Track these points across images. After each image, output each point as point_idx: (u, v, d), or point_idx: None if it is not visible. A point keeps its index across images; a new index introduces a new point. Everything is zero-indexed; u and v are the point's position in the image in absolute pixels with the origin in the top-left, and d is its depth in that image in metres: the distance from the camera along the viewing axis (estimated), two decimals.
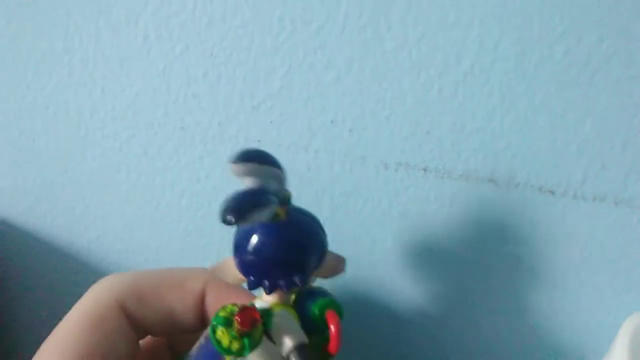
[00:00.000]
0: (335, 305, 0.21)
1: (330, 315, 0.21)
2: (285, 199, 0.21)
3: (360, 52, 0.27)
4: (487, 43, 0.25)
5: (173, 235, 0.34)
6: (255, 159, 0.20)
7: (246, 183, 0.20)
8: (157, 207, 0.33)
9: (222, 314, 0.19)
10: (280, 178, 0.20)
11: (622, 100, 0.25)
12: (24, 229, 0.36)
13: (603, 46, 0.24)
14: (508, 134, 0.27)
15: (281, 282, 0.20)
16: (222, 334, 0.19)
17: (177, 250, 0.34)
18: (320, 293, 0.22)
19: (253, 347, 0.19)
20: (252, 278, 0.21)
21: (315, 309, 0.21)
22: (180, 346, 0.25)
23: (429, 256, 0.30)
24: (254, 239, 0.20)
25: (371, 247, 0.30)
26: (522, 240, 0.28)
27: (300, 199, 0.30)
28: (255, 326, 0.19)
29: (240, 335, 0.19)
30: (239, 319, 0.19)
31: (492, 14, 0.25)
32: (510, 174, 0.27)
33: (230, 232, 0.33)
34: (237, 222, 0.17)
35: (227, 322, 0.19)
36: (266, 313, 0.20)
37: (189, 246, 0.34)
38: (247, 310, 0.19)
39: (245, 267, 0.21)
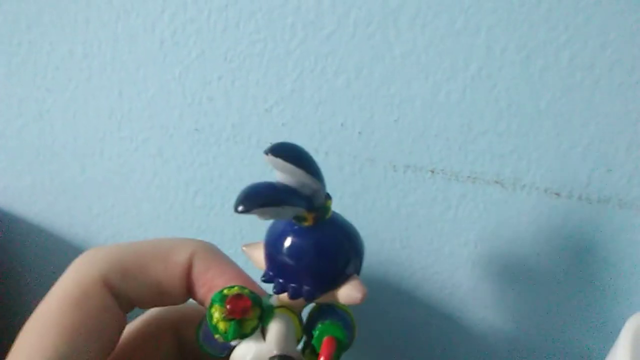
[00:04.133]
0: (339, 332, 0.20)
1: (326, 343, 0.19)
2: (315, 207, 0.19)
3: (369, 57, 0.28)
4: (494, 49, 0.26)
5: (187, 235, 0.34)
6: (290, 157, 0.18)
7: (276, 176, 0.19)
8: (171, 206, 0.34)
9: (225, 291, 0.19)
10: (312, 183, 0.19)
11: (626, 104, 0.25)
12: (42, 227, 0.37)
13: (607, 52, 0.25)
14: (514, 136, 0.27)
15: (289, 287, 0.19)
16: (215, 310, 0.19)
17: None
18: (332, 314, 0.21)
19: (238, 335, 0.19)
20: (270, 272, 0.20)
21: (316, 330, 0.20)
22: (185, 331, 0.24)
23: (435, 257, 0.30)
24: (280, 234, 0.20)
25: (379, 248, 0.31)
26: (527, 241, 0.28)
27: None
28: (244, 316, 0.19)
29: (229, 319, 0.19)
30: (228, 305, 0.19)
31: (499, 20, 0.26)
32: (516, 176, 0.28)
33: (242, 232, 0.34)
34: (244, 212, 0.17)
35: (222, 302, 0.19)
36: (268, 311, 0.20)
37: None
38: (240, 299, 0.19)
39: (267, 258, 0.20)
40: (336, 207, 0.31)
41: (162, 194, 0.34)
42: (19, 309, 0.40)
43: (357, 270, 0.20)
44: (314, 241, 0.19)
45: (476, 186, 0.28)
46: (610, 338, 0.26)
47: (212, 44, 0.30)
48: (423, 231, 0.30)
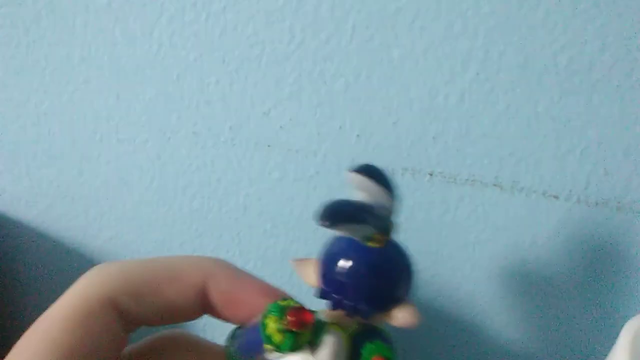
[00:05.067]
0: (388, 352, 0.20)
1: None
2: (387, 229, 0.20)
3: (368, 61, 0.28)
4: (492, 52, 0.26)
5: (184, 237, 0.34)
6: (375, 177, 0.19)
7: (357, 195, 0.19)
8: (169, 209, 0.34)
9: (281, 303, 0.19)
10: (390, 205, 0.20)
11: (624, 107, 0.25)
12: (40, 231, 0.37)
13: (605, 55, 0.25)
14: (513, 139, 0.27)
15: (346, 303, 0.20)
16: (270, 321, 0.19)
17: (189, 252, 0.35)
18: (380, 335, 0.21)
19: (293, 347, 0.19)
20: (324, 287, 0.20)
21: (366, 351, 0.20)
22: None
23: (434, 260, 0.30)
24: (343, 252, 0.20)
25: None
26: (526, 244, 0.28)
27: (309, 202, 0.31)
28: (303, 329, 0.19)
29: (285, 331, 0.19)
30: (290, 316, 0.19)
31: (497, 24, 0.26)
32: (514, 178, 0.28)
33: (240, 235, 0.34)
34: (328, 226, 0.18)
35: (281, 313, 0.19)
36: (321, 327, 0.20)
37: (199, 248, 0.34)
38: (302, 312, 0.19)
39: (323, 274, 0.20)
40: None
41: (160, 197, 0.34)
42: (17, 312, 0.40)
43: (409, 294, 0.21)
44: (379, 262, 0.20)
45: (475, 189, 0.28)
46: (609, 340, 0.26)
47: (210, 47, 0.30)
48: (421, 234, 0.30)
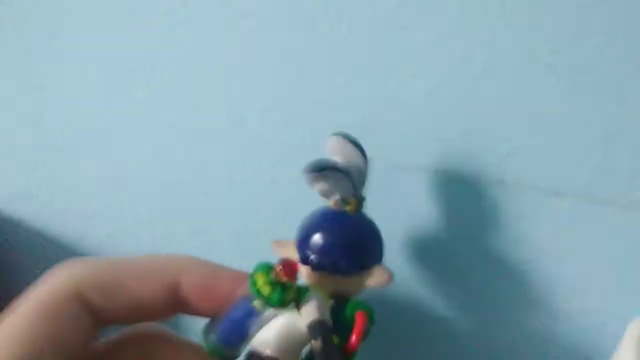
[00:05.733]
0: (367, 309, 0.22)
1: (359, 315, 0.21)
2: (361, 194, 0.23)
3: (369, 56, 0.27)
4: (496, 48, 0.26)
5: (183, 234, 0.34)
6: (353, 142, 0.23)
7: (336, 159, 0.23)
8: (167, 207, 0.34)
9: (264, 262, 0.21)
10: (365, 170, 0.23)
11: (629, 104, 0.25)
12: (37, 228, 0.37)
13: (611, 51, 0.25)
14: (517, 136, 0.27)
15: (326, 260, 0.22)
16: (260, 275, 0.20)
17: (187, 249, 0.34)
18: (357, 299, 0.23)
19: (282, 301, 0.20)
20: (305, 252, 0.22)
21: (348, 309, 0.22)
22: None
23: (437, 257, 0.30)
24: (323, 217, 0.23)
25: None
26: (529, 242, 0.28)
27: (312, 199, 0.31)
28: (292, 278, 0.20)
29: (276, 282, 0.20)
30: (280, 267, 0.20)
31: (502, 19, 0.25)
32: (518, 176, 0.27)
33: (239, 230, 0.33)
34: (315, 171, 0.20)
35: (267, 269, 0.20)
36: (304, 289, 0.21)
37: (196, 246, 0.34)
38: (290, 262, 0.20)
39: (304, 240, 0.23)
40: None
41: (158, 195, 0.34)
42: None
43: (382, 259, 0.24)
44: (356, 224, 0.23)
45: (479, 186, 0.28)
46: (613, 341, 0.26)
47: (209, 43, 0.29)
48: (423, 232, 0.30)
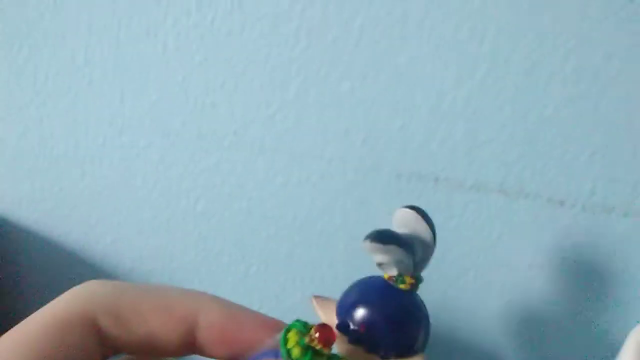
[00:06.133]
0: None
1: None
2: (416, 275, 0.21)
3: (374, 64, 0.28)
4: (499, 57, 0.26)
5: (188, 242, 0.34)
6: (425, 218, 0.21)
7: (402, 231, 0.21)
8: (172, 213, 0.34)
9: (300, 321, 0.19)
10: (431, 249, 0.21)
11: (631, 113, 0.25)
12: (41, 234, 0.37)
13: (612, 61, 0.25)
14: (519, 145, 0.27)
15: (367, 339, 0.20)
16: (293, 334, 0.19)
17: (192, 257, 0.34)
18: None
19: None
20: (345, 320, 0.20)
21: None
22: None
23: (438, 265, 0.30)
24: (372, 289, 0.21)
25: None
26: (530, 250, 0.28)
27: (313, 206, 0.31)
28: (327, 347, 0.19)
29: (309, 346, 0.19)
30: (317, 332, 0.19)
31: (504, 29, 0.26)
32: (520, 184, 0.28)
33: (244, 240, 0.33)
34: (378, 242, 0.19)
35: (304, 329, 0.19)
36: (335, 357, 0.20)
37: (202, 252, 0.34)
38: (328, 328, 0.19)
39: (347, 307, 0.21)
40: (339, 214, 0.31)
41: (163, 201, 0.34)
42: (18, 316, 0.40)
43: (425, 347, 0.21)
44: (406, 305, 0.20)
45: (480, 195, 0.28)
46: (614, 348, 0.26)
47: (215, 49, 0.30)
48: None
